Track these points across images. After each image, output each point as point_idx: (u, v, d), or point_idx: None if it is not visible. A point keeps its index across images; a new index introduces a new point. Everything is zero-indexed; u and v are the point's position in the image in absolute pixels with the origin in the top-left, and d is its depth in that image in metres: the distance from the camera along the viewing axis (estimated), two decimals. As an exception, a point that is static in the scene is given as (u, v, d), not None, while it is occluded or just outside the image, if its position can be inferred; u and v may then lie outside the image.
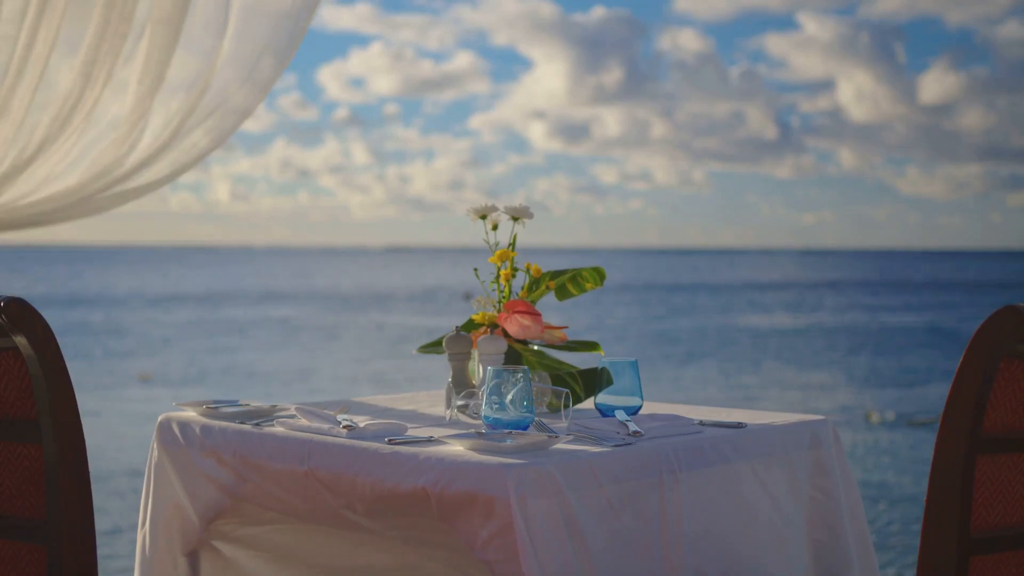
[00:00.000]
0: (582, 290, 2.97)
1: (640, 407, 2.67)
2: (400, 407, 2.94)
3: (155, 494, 2.78)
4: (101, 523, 8.08)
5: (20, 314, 2.25)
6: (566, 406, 2.57)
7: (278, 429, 2.57)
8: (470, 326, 2.91)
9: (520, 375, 2.40)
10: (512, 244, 2.92)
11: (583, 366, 2.90)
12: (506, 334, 2.85)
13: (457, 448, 2.30)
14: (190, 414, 2.76)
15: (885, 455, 11.66)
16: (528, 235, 2.96)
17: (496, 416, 2.40)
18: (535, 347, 2.89)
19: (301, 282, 59.58)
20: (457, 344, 2.82)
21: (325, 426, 2.51)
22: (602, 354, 2.79)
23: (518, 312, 2.82)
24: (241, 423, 2.66)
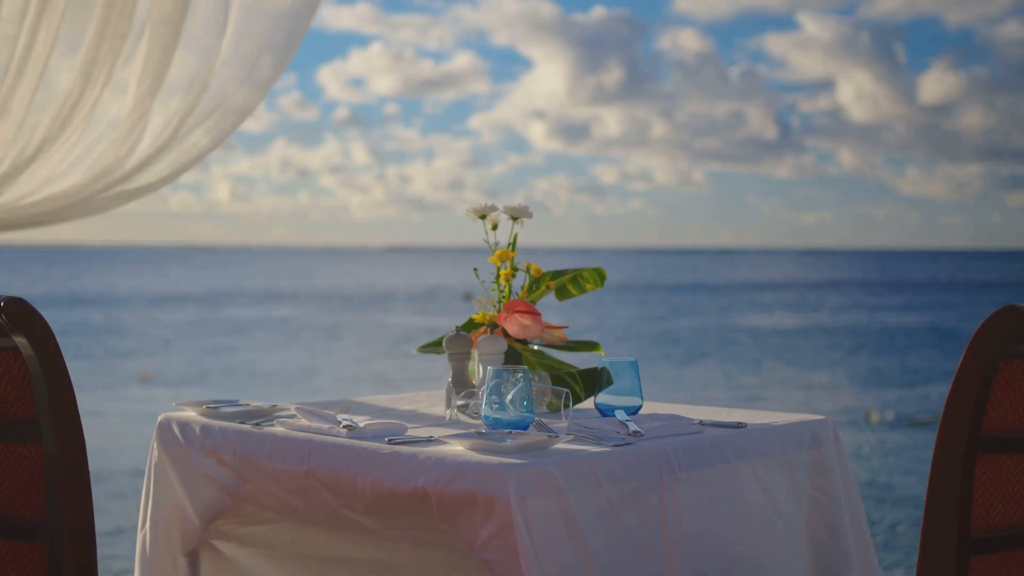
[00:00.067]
0: (582, 290, 2.97)
1: (640, 407, 2.67)
2: (400, 407, 2.94)
3: (155, 494, 2.78)
4: (103, 524, 8.09)
5: (20, 314, 2.25)
6: (566, 406, 2.57)
7: (278, 429, 2.57)
8: (470, 326, 2.91)
9: (520, 375, 2.40)
10: (512, 244, 2.92)
11: (583, 366, 2.90)
12: (506, 334, 2.85)
13: (457, 448, 2.30)
14: (190, 414, 2.76)
15: (885, 455, 11.66)
16: (528, 235, 2.96)
17: (496, 416, 2.40)
18: (535, 347, 2.89)
19: (301, 282, 59.59)
20: (457, 344, 2.82)
21: (325, 426, 2.51)
22: (602, 354, 2.79)
23: (518, 312, 2.82)
24: (241, 423, 2.66)
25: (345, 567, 2.62)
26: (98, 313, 34.28)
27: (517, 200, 2.95)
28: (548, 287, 2.95)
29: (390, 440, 2.37)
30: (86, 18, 3.71)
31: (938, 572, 2.25)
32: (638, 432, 2.42)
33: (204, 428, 2.68)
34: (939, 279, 67.56)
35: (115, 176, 3.89)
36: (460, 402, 2.68)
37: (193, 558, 2.79)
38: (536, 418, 2.48)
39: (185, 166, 4.00)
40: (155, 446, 2.79)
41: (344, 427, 2.47)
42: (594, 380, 2.76)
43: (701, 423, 2.62)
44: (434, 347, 2.96)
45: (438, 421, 2.70)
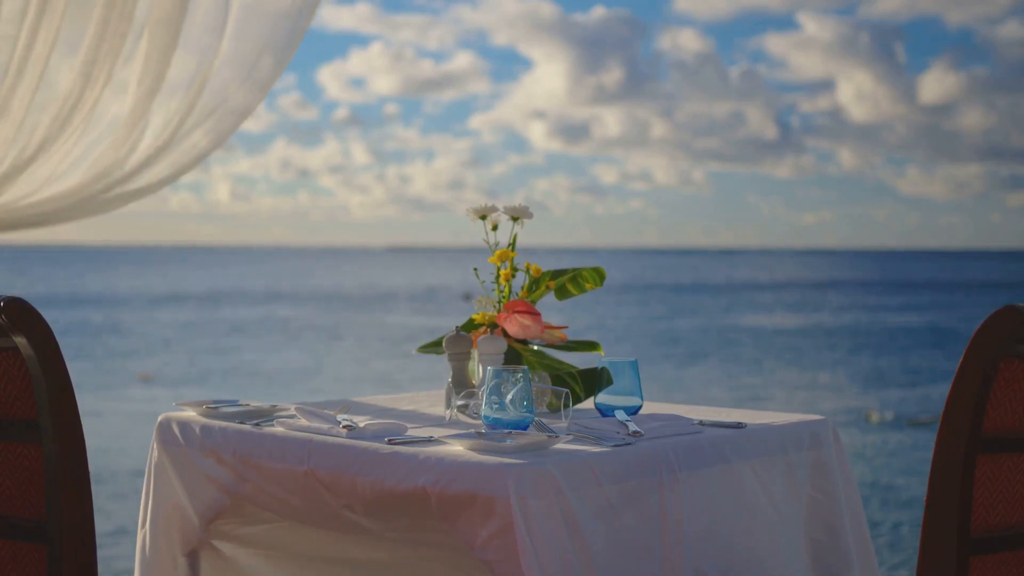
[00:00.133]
0: (582, 290, 2.97)
1: (640, 407, 2.67)
2: (400, 407, 2.94)
3: (155, 494, 2.78)
4: (106, 525, 8.09)
5: (20, 314, 2.25)
6: (566, 406, 2.57)
7: (278, 429, 2.57)
8: (470, 326, 2.91)
9: (520, 375, 2.40)
10: (512, 244, 2.92)
11: (583, 366, 2.90)
12: (506, 334, 2.85)
13: (457, 448, 2.30)
14: (190, 414, 2.76)
15: (885, 455, 11.66)
16: (528, 235, 2.96)
17: (496, 416, 2.40)
18: (535, 347, 2.89)
19: (301, 282, 59.58)
20: (457, 344, 2.82)
21: (325, 426, 2.51)
22: (602, 354, 2.79)
23: (518, 312, 2.82)
24: (241, 423, 2.66)
25: (345, 567, 2.62)
26: (98, 313, 34.28)
27: (517, 200, 2.95)
28: (548, 287, 2.95)
29: (390, 440, 2.37)
30: (86, 18, 3.71)
31: (938, 572, 2.25)
32: (638, 432, 2.42)
33: (204, 428, 2.68)
34: (939, 279, 67.56)
35: (115, 177, 3.89)
36: (460, 402, 2.68)
37: (193, 558, 2.79)
38: (536, 418, 2.48)
39: (185, 167, 4.00)
40: (155, 446, 2.79)
41: (344, 427, 2.47)
42: (594, 380, 2.76)
43: (701, 423, 2.62)
44: (434, 347, 2.95)
45: (438, 421, 2.70)
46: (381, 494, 2.30)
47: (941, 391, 16.97)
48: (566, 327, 2.91)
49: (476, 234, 2.94)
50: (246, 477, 2.58)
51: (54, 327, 2.32)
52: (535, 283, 2.94)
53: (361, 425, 2.49)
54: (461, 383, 2.80)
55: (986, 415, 2.25)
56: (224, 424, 2.66)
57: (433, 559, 2.42)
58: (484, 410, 2.41)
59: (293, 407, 2.69)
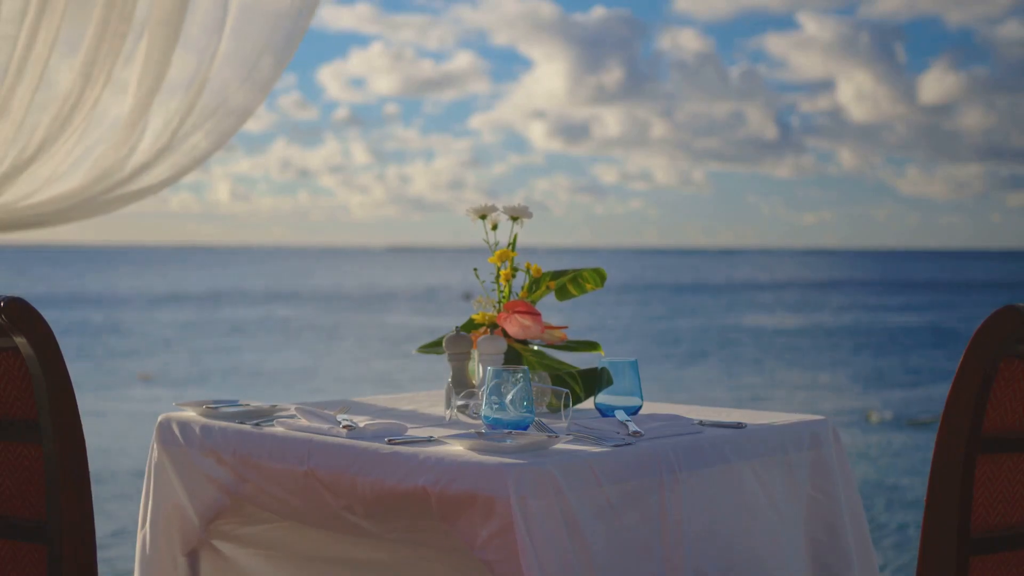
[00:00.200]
0: (582, 290, 2.97)
1: (640, 407, 2.67)
2: (400, 407, 2.94)
3: (155, 494, 2.78)
4: (104, 524, 8.09)
5: (20, 314, 2.25)
6: (566, 406, 2.57)
7: (278, 429, 2.57)
8: (470, 326, 2.91)
9: (520, 375, 2.40)
10: (512, 244, 2.92)
11: (583, 366, 2.90)
12: (506, 334, 2.85)
13: (457, 448, 2.30)
14: (190, 414, 2.76)
15: (885, 455, 11.66)
16: (528, 235, 2.96)
17: (496, 416, 2.40)
18: (535, 347, 2.89)
19: (301, 282, 59.58)
20: (457, 344, 2.82)
21: (325, 426, 2.51)
22: (602, 354, 2.79)
23: (518, 312, 2.82)
24: (241, 423, 2.66)
25: (345, 567, 2.62)
26: (99, 313, 34.28)
27: (517, 200, 2.95)
28: (548, 287, 2.95)
29: (390, 440, 2.37)
30: (86, 18, 3.71)
31: (938, 572, 2.25)
32: (638, 432, 2.42)
33: (204, 428, 2.68)
34: (939, 279, 67.56)
35: (116, 179, 3.89)
36: (460, 402, 2.68)
37: (193, 558, 2.79)
38: (536, 418, 2.48)
39: (186, 168, 4.00)
40: (155, 446, 2.79)
41: (344, 427, 2.47)
42: (594, 380, 2.76)
43: (701, 423, 2.62)
44: (434, 347, 2.95)
45: (438, 421, 2.70)
46: (381, 494, 2.30)
47: (941, 391, 16.97)
48: (566, 327, 2.91)
49: (476, 234, 2.94)
50: (246, 477, 2.58)
51: (54, 327, 2.32)
52: (535, 283, 2.94)
53: (361, 425, 2.49)
54: (461, 383, 2.80)
55: (986, 415, 2.25)
56: (224, 424, 2.66)
57: (433, 559, 2.42)
58: (484, 410, 2.41)
59: (293, 407, 2.69)
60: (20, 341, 2.27)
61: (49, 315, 2.38)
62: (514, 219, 2.92)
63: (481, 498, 2.14)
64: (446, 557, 2.37)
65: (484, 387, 2.43)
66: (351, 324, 31.37)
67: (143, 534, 2.80)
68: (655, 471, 2.34)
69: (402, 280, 64.86)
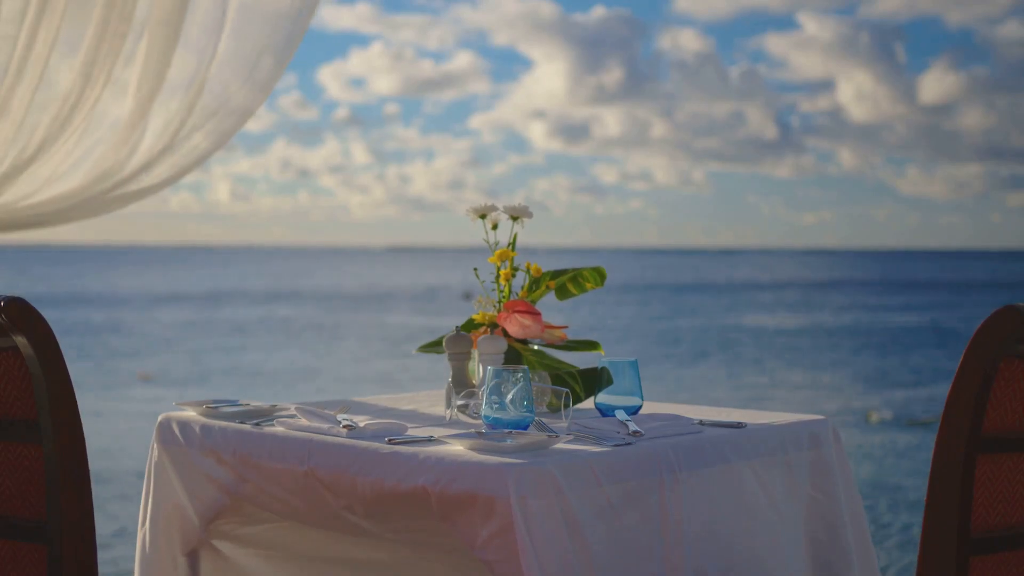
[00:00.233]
0: (582, 290, 2.97)
1: (640, 407, 2.67)
2: (400, 407, 2.94)
3: (155, 494, 2.78)
4: (105, 524, 8.09)
5: (20, 314, 2.25)
6: (566, 406, 2.57)
7: (278, 429, 2.57)
8: (470, 326, 2.91)
9: (520, 375, 2.40)
10: (512, 244, 2.92)
11: (583, 366, 2.90)
12: (506, 334, 2.85)
13: (457, 448, 2.30)
14: (190, 414, 2.76)
15: (885, 455, 11.66)
16: (528, 235, 2.96)
17: (496, 416, 2.40)
18: (535, 347, 2.89)
19: (301, 282, 59.58)
20: (457, 344, 2.82)
21: (325, 426, 2.51)
22: (602, 354, 2.79)
23: (518, 312, 2.82)
24: (241, 423, 2.66)
25: (345, 567, 2.62)
26: (99, 313, 34.28)
27: (517, 200, 2.95)
28: (548, 287, 2.95)
29: (390, 440, 2.37)
30: (86, 18, 3.71)
31: (938, 572, 2.25)
32: (638, 432, 2.42)
33: (204, 428, 2.68)
34: (939, 279, 67.54)
35: (116, 179, 3.89)
36: (460, 402, 2.68)
37: (193, 558, 2.79)
38: (536, 418, 2.48)
39: (186, 168, 4.00)
40: (155, 446, 2.79)
41: (344, 427, 2.47)
42: (594, 380, 2.76)
43: (701, 423, 2.62)
44: (434, 347, 2.95)
45: (438, 421, 2.70)
46: (381, 494, 2.30)
47: (941, 391, 16.97)
48: (566, 327, 2.91)
49: (476, 234, 2.94)
50: (246, 477, 2.58)
51: (54, 327, 2.32)
52: (535, 283, 2.94)
53: (361, 425, 2.49)
54: (461, 383, 2.81)
55: (986, 415, 2.25)
56: (224, 424, 2.66)
57: (433, 559, 2.42)
58: (484, 410, 2.41)
59: (293, 407, 2.69)
60: (20, 341, 2.27)
61: (49, 315, 2.38)
62: (514, 219, 2.92)
63: (481, 498, 2.14)
64: (446, 557, 2.37)
65: (484, 387, 2.43)
66: (351, 324, 31.37)
67: (143, 534, 2.80)
68: (655, 471, 2.34)
69: (402, 280, 64.86)
